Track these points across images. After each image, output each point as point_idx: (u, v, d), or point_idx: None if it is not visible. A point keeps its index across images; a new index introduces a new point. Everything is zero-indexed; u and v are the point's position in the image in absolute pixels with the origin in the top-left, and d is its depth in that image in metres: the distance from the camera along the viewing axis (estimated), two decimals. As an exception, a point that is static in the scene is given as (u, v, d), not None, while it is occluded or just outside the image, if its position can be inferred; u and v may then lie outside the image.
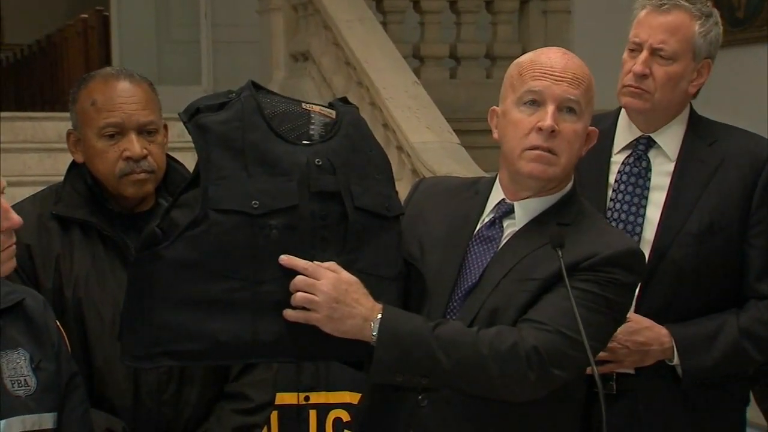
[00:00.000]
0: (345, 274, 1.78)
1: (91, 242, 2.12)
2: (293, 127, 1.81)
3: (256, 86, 1.84)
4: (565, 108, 1.87)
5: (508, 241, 1.92)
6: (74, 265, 2.10)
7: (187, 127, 1.78)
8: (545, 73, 1.88)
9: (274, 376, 2.25)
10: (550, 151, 1.86)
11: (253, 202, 1.74)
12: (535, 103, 1.87)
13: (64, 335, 1.93)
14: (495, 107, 1.96)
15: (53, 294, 2.08)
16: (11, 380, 1.78)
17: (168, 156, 2.19)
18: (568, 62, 1.89)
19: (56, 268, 2.09)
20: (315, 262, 1.77)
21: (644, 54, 2.20)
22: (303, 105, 1.84)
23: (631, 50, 2.24)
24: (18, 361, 1.80)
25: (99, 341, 2.08)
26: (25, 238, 2.08)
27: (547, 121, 1.85)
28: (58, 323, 1.92)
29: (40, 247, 2.10)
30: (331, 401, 2.40)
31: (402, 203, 1.96)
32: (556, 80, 1.87)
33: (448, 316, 1.89)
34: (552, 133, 1.85)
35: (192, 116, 1.78)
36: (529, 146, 1.86)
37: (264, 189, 1.75)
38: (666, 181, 2.24)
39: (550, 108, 1.86)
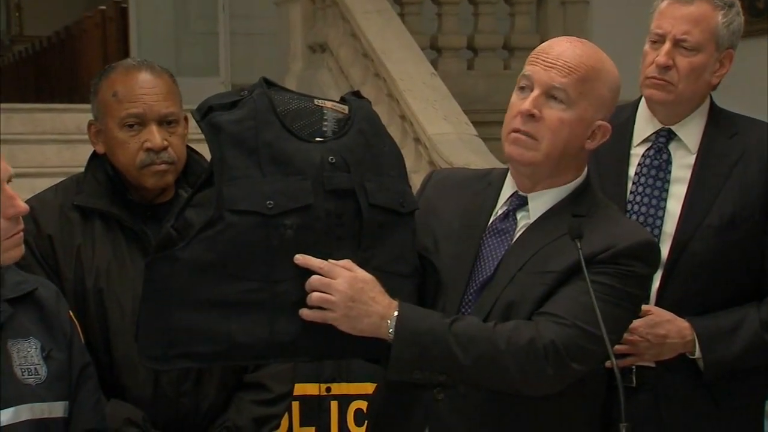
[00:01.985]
0: (361, 273, 1.78)
1: (111, 233, 2.12)
2: (306, 124, 1.81)
3: (268, 83, 1.83)
4: (552, 95, 1.86)
5: (522, 233, 1.91)
6: (95, 256, 2.10)
7: (200, 126, 1.78)
8: (539, 59, 1.88)
9: (293, 367, 2.25)
10: (528, 134, 1.85)
11: (268, 202, 1.74)
12: (526, 88, 1.87)
13: (77, 325, 1.95)
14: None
15: (74, 284, 2.09)
16: (21, 368, 1.80)
17: (188, 147, 2.19)
18: (567, 50, 1.87)
19: (77, 258, 2.10)
20: (330, 260, 1.77)
21: (667, 45, 2.18)
22: (315, 101, 1.84)
23: (653, 42, 2.22)
24: (29, 349, 1.82)
25: (119, 332, 2.08)
26: (47, 229, 2.10)
27: (526, 105, 1.85)
28: (71, 314, 1.94)
29: (61, 237, 2.11)
30: (353, 392, 2.40)
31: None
32: (546, 66, 1.86)
33: (463, 310, 1.88)
34: (531, 117, 1.84)
35: (204, 115, 1.78)
36: (511, 129, 1.87)
37: (278, 189, 1.75)
38: (687, 174, 2.22)
39: (534, 93, 1.85)
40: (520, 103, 1.87)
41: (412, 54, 5.45)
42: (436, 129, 4.97)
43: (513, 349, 1.77)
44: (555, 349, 1.78)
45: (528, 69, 1.88)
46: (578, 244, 1.81)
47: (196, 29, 7.97)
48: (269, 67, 6.18)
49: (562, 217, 1.89)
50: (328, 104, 1.84)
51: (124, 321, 2.08)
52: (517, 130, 1.86)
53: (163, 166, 2.11)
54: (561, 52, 1.87)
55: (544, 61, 1.87)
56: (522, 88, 1.88)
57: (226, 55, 7.59)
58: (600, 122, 1.91)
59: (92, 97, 2.18)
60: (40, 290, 1.89)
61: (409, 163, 1.97)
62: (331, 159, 1.78)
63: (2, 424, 1.76)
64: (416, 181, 2.05)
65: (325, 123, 1.82)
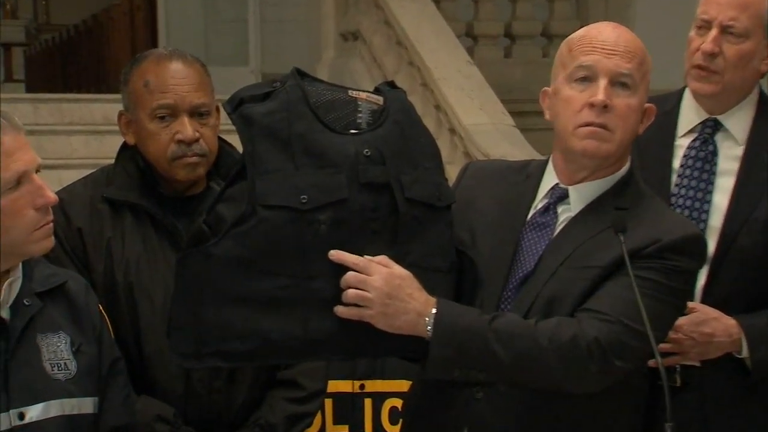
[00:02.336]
0: (397, 269, 1.78)
1: (142, 226, 2.14)
2: (340, 116, 1.81)
3: (300, 74, 1.84)
4: (618, 83, 1.86)
5: (564, 227, 1.91)
6: (125, 249, 2.12)
7: (231, 118, 1.79)
8: (596, 47, 1.87)
9: (326, 363, 2.26)
10: (603, 126, 1.85)
11: (302, 196, 1.74)
12: (587, 79, 1.87)
13: (107, 319, 1.97)
14: (546, 88, 1.95)
15: (104, 278, 2.11)
16: (51, 363, 1.82)
17: (220, 139, 2.20)
18: (620, 35, 1.88)
19: (107, 251, 2.12)
20: (366, 256, 1.77)
21: (714, 31, 2.16)
22: (349, 92, 1.84)
23: (699, 27, 2.20)
24: (58, 344, 1.84)
25: (150, 326, 2.10)
26: (77, 221, 2.12)
27: (599, 96, 1.84)
28: (100, 307, 1.96)
29: (91, 230, 2.12)
30: (387, 390, 2.40)
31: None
32: (607, 54, 1.86)
33: (502, 306, 1.89)
34: (605, 108, 1.85)
35: (236, 107, 1.79)
36: (582, 123, 1.86)
37: (312, 182, 1.75)
38: (734, 166, 2.20)
39: (602, 82, 1.85)
40: (583, 95, 1.86)
41: (447, 42, 5.45)
42: (472, 119, 4.97)
43: (555, 347, 1.77)
44: (598, 346, 1.78)
45: (585, 59, 1.87)
46: (622, 238, 1.81)
47: (226, 17, 8.00)
48: (300, 56, 6.20)
49: (604, 210, 1.89)
50: (363, 95, 1.84)
51: (155, 315, 2.09)
52: (590, 123, 1.86)
53: (194, 159, 2.12)
54: (617, 38, 1.88)
55: (603, 48, 1.87)
56: (581, 79, 1.87)
57: (256, 44, 7.61)
58: (647, 104, 1.92)
59: (123, 87, 2.19)
60: (70, 284, 1.91)
61: (443, 154, 1.96)
62: (366, 152, 1.79)
63: (32, 420, 1.78)
64: (451, 173, 2.05)
65: (360, 114, 1.82)
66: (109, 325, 1.98)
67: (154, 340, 2.08)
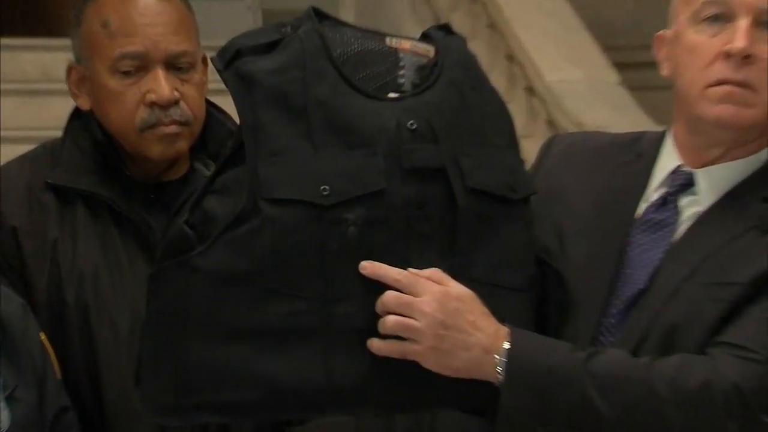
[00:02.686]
0: (455, 287, 1.80)
1: (100, 223, 2.16)
2: (375, 73, 1.83)
3: (319, 14, 1.85)
4: (765, 22, 1.87)
5: (689, 227, 1.92)
6: (78, 256, 2.14)
7: (223, 77, 1.80)
8: None
9: (354, 418, 2.28)
10: (744, 85, 1.87)
11: (323, 187, 1.76)
12: (720, 17, 1.88)
13: (52, 354, 1.99)
14: (663, 32, 1.96)
15: (49, 296, 2.13)
16: (-24, 414, 1.85)
17: (208, 102, 2.23)
18: None
19: (53, 259, 2.14)
20: (411, 269, 1.79)
21: None
22: (387, 40, 1.86)
23: None
24: (-14, 387, 1.87)
25: (112, 362, 2.12)
26: (11, 218, 2.14)
27: (739, 42, 1.85)
28: (43, 338, 1.99)
29: (30, 229, 2.15)
30: (437, 456, 2.43)
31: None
32: None
33: (602, 338, 1.90)
34: (746, 59, 1.86)
35: (230, 61, 1.80)
36: (714, 81, 1.87)
37: (337, 168, 1.77)
38: None
39: (742, 22, 1.86)
40: (715, 41, 1.87)
41: (523, -35, 5.46)
42: (559, 75, 4.98)
43: (679, 397, 1.78)
44: (739, 396, 1.78)
45: None
46: (773, 243, 1.83)
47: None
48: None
49: (747, 202, 1.90)
50: (406, 45, 1.86)
51: (119, 349, 2.11)
52: (725, 81, 1.87)
53: (173, 128, 2.14)
54: None
55: None
56: (712, 19, 1.89)
57: (255, -31, 7.67)
58: None
59: (73, 30, 2.21)
60: (2, 305, 1.94)
61: (518, 125, 1.98)
62: (411, 124, 1.80)
63: (-50, 491, 1.82)
64: (530, 151, 2.06)
65: (402, 72, 1.84)
66: (56, 363, 2.01)
67: (118, 383, 2.10)
